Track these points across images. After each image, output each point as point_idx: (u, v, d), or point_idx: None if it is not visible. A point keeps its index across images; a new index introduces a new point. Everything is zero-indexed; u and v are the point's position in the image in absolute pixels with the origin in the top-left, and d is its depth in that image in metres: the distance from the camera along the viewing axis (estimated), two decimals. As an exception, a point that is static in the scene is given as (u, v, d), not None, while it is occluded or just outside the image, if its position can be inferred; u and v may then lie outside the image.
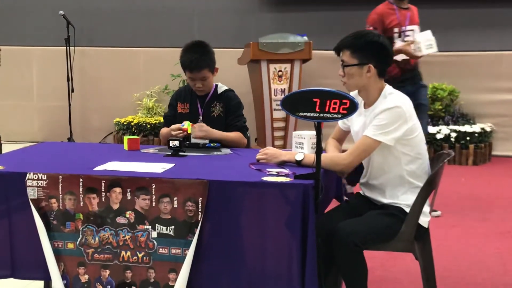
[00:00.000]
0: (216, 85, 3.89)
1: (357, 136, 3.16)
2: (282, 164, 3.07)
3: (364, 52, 3.05)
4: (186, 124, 3.65)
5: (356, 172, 3.14)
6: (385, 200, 3.11)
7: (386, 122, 2.97)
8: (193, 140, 3.68)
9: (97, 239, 2.86)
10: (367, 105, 3.14)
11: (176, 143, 3.36)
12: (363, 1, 7.85)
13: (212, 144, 3.66)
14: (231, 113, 3.83)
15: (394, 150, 3.04)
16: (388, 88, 3.13)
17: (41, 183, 2.87)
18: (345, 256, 2.92)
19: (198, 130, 3.68)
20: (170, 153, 3.37)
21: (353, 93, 3.16)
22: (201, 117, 3.82)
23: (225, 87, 3.90)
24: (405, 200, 3.06)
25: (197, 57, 3.74)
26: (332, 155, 3.13)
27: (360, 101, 3.15)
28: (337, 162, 3.02)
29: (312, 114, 2.70)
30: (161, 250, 2.81)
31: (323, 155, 2.98)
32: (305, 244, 2.68)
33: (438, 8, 7.76)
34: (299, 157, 3.03)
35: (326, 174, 3.04)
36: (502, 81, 7.62)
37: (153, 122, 7.87)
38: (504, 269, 4.01)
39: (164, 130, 3.86)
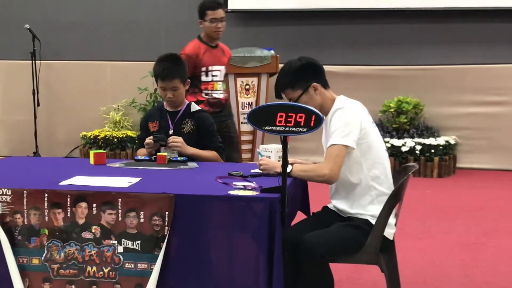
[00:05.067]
0: (189, 104, 3.93)
1: (325, 145, 3.21)
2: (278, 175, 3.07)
3: (299, 80, 3.16)
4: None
5: None
6: (352, 211, 3.14)
7: (339, 125, 3.04)
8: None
9: (62, 254, 2.83)
10: (325, 115, 3.21)
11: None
12: (328, 16, 7.96)
13: (179, 158, 3.66)
14: (206, 134, 3.89)
15: (355, 155, 3.09)
16: (341, 97, 3.22)
17: (6, 198, 2.84)
18: (311, 268, 2.94)
19: (172, 140, 3.71)
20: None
21: None
22: (171, 132, 3.83)
23: (198, 107, 3.97)
24: (371, 210, 3.09)
25: (170, 67, 3.82)
26: (312, 167, 3.15)
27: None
28: (319, 172, 3.04)
29: (278, 128, 2.72)
30: (127, 265, 2.80)
31: (304, 169, 3.06)
32: (271, 257, 2.70)
33: (403, 23, 7.88)
34: (288, 169, 3.02)
35: (292, 187, 3.06)
36: (466, 95, 7.74)
37: (120, 136, 7.82)
38: (469, 280, 4.07)
39: (140, 151, 3.92)
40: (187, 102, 3.95)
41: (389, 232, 3.10)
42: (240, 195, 2.75)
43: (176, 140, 3.72)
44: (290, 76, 3.17)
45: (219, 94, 5.27)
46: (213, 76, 5.23)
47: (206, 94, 5.20)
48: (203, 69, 5.18)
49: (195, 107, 3.95)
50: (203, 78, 5.19)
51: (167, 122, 3.89)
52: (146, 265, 2.78)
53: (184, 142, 3.74)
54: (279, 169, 3.03)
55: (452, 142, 7.54)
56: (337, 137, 3.03)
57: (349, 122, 3.04)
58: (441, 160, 7.37)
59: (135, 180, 3.04)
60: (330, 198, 3.30)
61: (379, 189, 3.12)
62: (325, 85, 3.22)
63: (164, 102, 3.96)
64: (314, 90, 3.17)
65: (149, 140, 3.76)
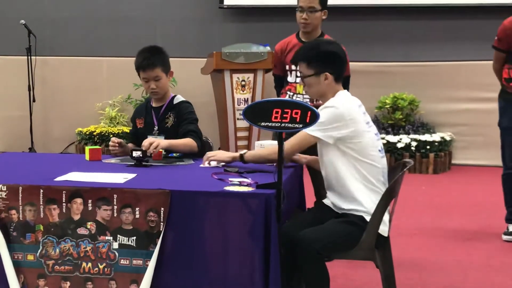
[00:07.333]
0: (174, 97, 3.84)
1: None
2: (229, 161, 3.27)
3: (318, 62, 3.16)
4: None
5: None
6: (346, 207, 3.13)
7: (323, 120, 3.03)
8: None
9: (57, 250, 2.83)
10: None
11: (139, 153, 3.35)
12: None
13: (174, 154, 3.65)
14: (182, 120, 3.76)
15: (341, 147, 3.10)
16: (342, 91, 3.22)
17: (1, 194, 2.83)
18: (308, 264, 2.95)
19: (148, 143, 3.42)
20: (133, 163, 3.36)
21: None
22: (156, 128, 3.79)
23: (182, 99, 3.85)
24: (366, 207, 3.08)
25: (149, 56, 3.74)
26: (270, 147, 3.25)
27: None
28: (273, 150, 3.06)
29: (273, 124, 2.72)
30: (122, 261, 2.80)
31: (258, 152, 3.24)
32: (268, 253, 2.70)
33: (398, 20, 7.88)
34: (242, 152, 3.24)
35: (288, 183, 3.06)
36: (461, 91, 7.75)
37: (116, 132, 7.81)
38: (465, 276, 4.07)
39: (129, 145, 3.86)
40: (172, 95, 3.85)
41: (384, 229, 3.10)
42: (236, 191, 2.74)
43: (150, 141, 3.43)
44: (312, 54, 3.19)
45: (303, 99, 4.25)
46: (297, 77, 4.33)
47: (289, 96, 4.40)
48: (287, 67, 4.42)
49: (178, 98, 3.84)
50: (289, 78, 4.44)
51: (152, 118, 3.84)
52: (141, 261, 2.78)
53: (156, 139, 3.49)
54: (226, 159, 3.25)
55: (448, 138, 7.56)
56: (313, 128, 2.95)
57: (333, 122, 3.06)
58: (436, 156, 7.38)
59: (130, 176, 3.04)
60: (325, 189, 3.29)
61: (374, 185, 3.12)
62: (338, 79, 3.22)
63: (152, 99, 3.90)
64: (324, 79, 3.17)
65: (112, 143, 3.72)
